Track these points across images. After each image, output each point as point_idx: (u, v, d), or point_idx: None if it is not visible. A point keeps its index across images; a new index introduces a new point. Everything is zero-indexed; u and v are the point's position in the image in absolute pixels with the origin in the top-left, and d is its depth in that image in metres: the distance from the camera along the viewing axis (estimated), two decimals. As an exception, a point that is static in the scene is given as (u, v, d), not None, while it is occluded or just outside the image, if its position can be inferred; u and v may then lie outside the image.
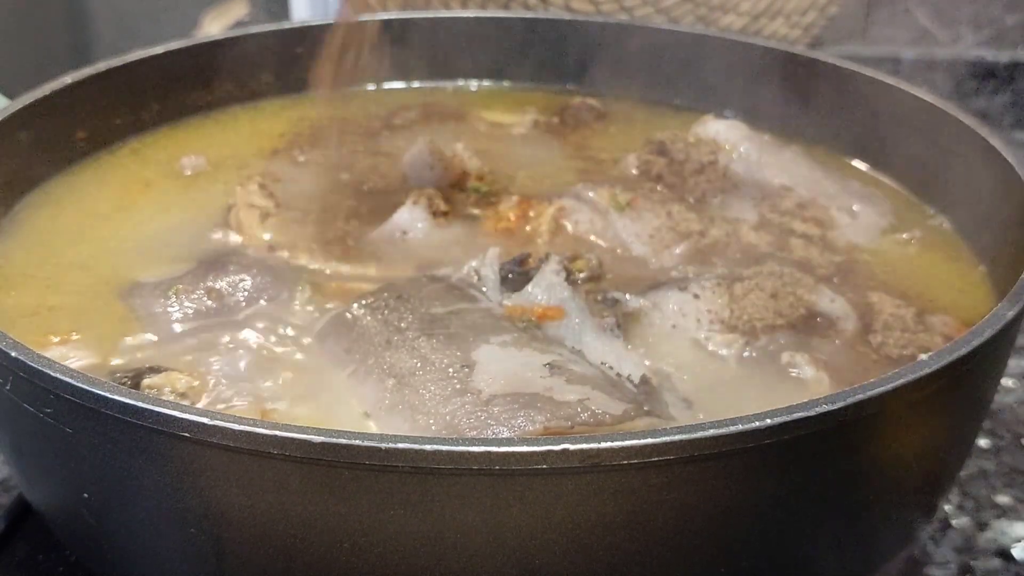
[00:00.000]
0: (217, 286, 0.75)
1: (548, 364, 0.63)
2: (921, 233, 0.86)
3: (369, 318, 0.70)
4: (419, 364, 0.65)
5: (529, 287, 0.74)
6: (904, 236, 0.86)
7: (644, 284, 0.76)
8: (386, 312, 0.70)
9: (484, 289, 0.74)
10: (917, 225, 0.88)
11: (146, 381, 0.65)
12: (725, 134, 0.95)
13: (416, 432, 0.61)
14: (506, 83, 1.12)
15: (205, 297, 0.74)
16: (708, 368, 0.70)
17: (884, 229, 0.87)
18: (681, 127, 0.98)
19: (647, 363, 0.69)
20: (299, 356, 0.70)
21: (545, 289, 0.73)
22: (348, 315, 0.71)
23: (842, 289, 0.78)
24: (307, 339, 0.72)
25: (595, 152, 0.99)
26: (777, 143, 0.96)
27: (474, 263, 0.76)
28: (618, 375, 0.66)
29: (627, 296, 0.74)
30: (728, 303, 0.73)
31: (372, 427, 0.63)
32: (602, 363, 0.67)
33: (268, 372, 0.69)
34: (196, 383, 0.66)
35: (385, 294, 0.72)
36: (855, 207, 0.88)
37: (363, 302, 0.72)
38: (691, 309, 0.73)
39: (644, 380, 0.66)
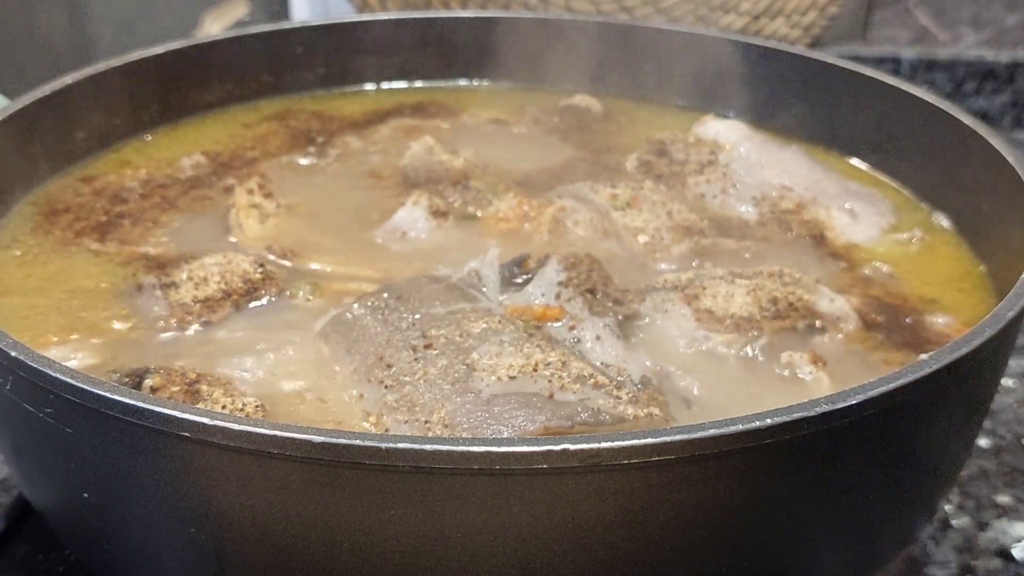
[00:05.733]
0: (218, 287, 0.75)
1: (548, 364, 0.63)
2: (921, 233, 0.86)
3: (369, 318, 0.70)
4: (419, 364, 0.65)
5: (529, 287, 0.74)
6: (904, 236, 0.86)
7: (644, 284, 0.76)
8: (386, 312, 0.70)
9: (484, 289, 0.74)
10: (917, 225, 0.88)
11: (147, 382, 0.65)
12: (725, 134, 0.95)
13: (416, 431, 0.61)
14: (506, 83, 1.12)
15: (206, 298, 0.74)
16: (708, 368, 0.70)
17: (884, 229, 0.87)
18: (682, 127, 0.99)
19: (647, 363, 0.69)
20: (299, 356, 0.70)
21: (545, 289, 0.73)
22: (348, 315, 0.71)
23: (842, 289, 0.78)
24: (308, 339, 0.72)
25: (596, 152, 0.99)
26: (777, 143, 0.96)
27: (474, 263, 0.76)
28: (619, 375, 0.66)
29: (627, 296, 0.74)
30: (728, 303, 0.73)
31: (372, 427, 0.63)
32: (602, 363, 0.67)
33: (268, 372, 0.69)
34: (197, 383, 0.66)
35: (385, 294, 0.72)
36: (855, 207, 0.88)
37: (363, 302, 0.72)
38: (691, 309, 0.73)
39: (645, 380, 0.66)
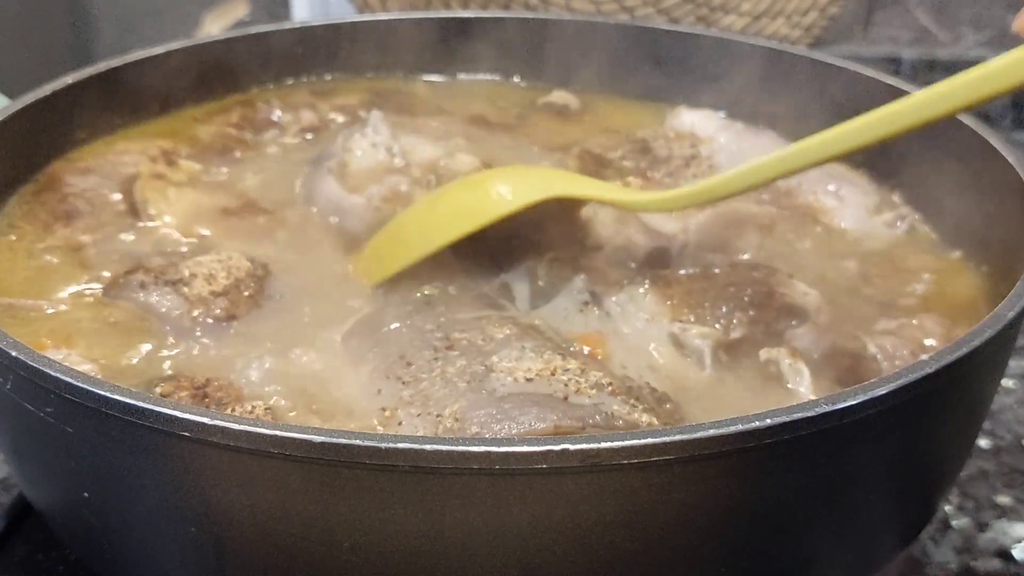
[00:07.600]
0: (228, 283, 0.74)
1: (567, 370, 0.63)
2: (911, 224, 0.86)
3: (396, 323, 0.70)
4: (439, 363, 0.65)
5: (555, 302, 0.74)
6: (889, 217, 0.86)
7: (620, 278, 0.76)
8: (413, 316, 0.71)
9: (516, 295, 0.74)
10: (917, 227, 0.88)
11: (157, 390, 0.64)
12: (700, 124, 0.95)
13: (428, 424, 0.61)
14: (497, 79, 1.12)
15: (217, 297, 0.74)
16: (683, 362, 0.69)
17: (870, 209, 0.86)
18: (658, 120, 0.98)
19: (627, 362, 0.69)
20: (311, 356, 0.70)
21: (568, 304, 0.73)
22: (374, 319, 0.72)
23: (836, 280, 0.77)
24: (320, 338, 0.71)
25: (595, 150, 0.99)
26: (752, 130, 0.95)
27: (505, 276, 0.76)
28: (638, 388, 0.66)
29: (603, 290, 0.74)
30: (702, 296, 0.72)
31: (386, 420, 0.63)
32: (623, 366, 0.67)
33: (278, 371, 0.68)
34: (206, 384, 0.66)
35: (414, 300, 0.73)
36: (840, 190, 0.87)
37: (391, 308, 0.72)
38: (665, 307, 0.72)
39: (664, 397, 0.66)
